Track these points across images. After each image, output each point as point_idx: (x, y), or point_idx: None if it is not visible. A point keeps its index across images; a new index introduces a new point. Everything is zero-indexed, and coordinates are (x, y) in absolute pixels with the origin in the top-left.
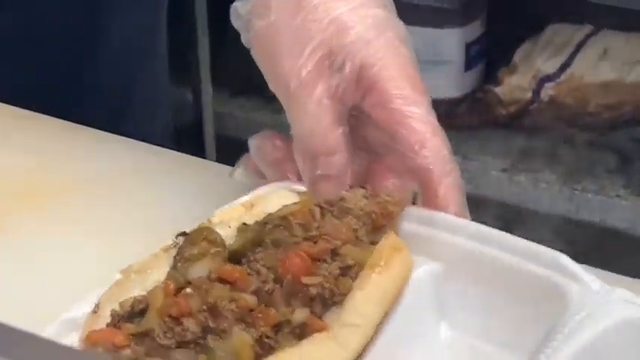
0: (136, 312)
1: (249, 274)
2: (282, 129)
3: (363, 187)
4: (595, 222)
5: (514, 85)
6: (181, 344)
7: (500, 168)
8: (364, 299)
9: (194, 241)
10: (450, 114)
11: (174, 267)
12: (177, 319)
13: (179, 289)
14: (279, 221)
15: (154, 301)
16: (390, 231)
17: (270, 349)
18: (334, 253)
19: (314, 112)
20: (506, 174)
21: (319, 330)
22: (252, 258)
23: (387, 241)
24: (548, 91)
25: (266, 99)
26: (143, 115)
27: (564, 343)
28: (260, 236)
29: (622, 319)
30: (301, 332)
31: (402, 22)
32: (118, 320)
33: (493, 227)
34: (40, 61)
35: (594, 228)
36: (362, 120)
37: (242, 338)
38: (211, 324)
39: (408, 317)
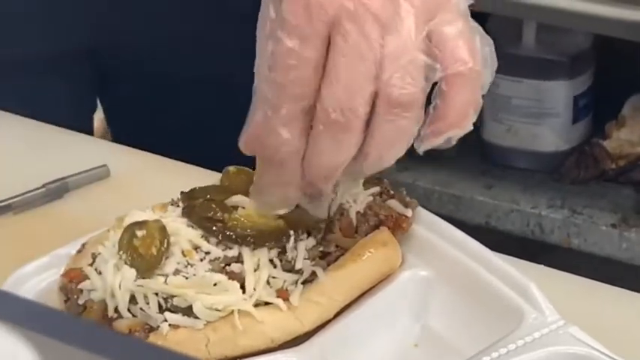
0: None
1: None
2: None
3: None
4: None
5: (623, 139)
6: None
7: (609, 223)
8: (332, 282)
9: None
10: (557, 167)
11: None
12: None
13: None
14: None
15: None
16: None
17: None
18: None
19: None
20: (616, 229)
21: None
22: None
23: (378, 235)
24: None
25: None
26: None
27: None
28: None
29: (558, 352)
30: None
31: None
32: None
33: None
34: None
35: None
36: None
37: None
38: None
39: (383, 311)
